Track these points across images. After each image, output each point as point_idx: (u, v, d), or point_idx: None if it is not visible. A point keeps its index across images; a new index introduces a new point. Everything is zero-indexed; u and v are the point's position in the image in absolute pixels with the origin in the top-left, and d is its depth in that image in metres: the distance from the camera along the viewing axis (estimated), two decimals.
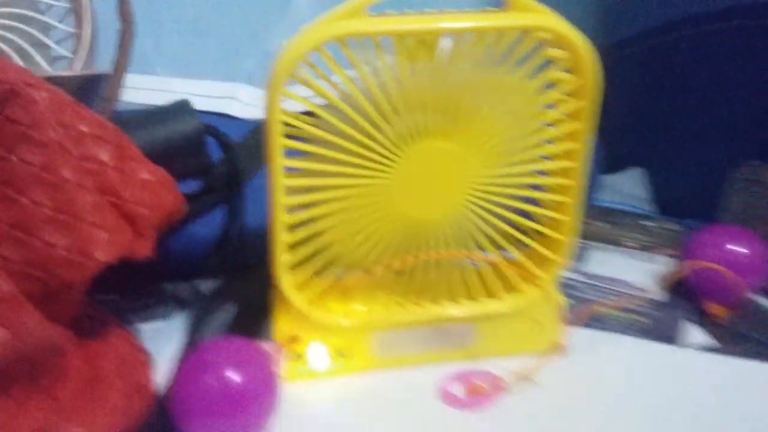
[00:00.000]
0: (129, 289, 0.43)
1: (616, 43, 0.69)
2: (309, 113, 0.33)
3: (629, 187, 0.67)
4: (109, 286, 0.43)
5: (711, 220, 0.56)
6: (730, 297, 0.43)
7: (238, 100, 0.51)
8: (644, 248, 0.53)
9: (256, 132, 0.46)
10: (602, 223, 0.57)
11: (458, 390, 0.37)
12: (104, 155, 0.30)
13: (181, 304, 0.44)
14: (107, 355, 0.31)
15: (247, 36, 0.64)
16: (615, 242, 0.54)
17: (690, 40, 0.59)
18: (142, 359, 0.33)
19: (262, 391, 0.32)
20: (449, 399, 0.36)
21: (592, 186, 0.57)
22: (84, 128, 0.30)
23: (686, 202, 0.61)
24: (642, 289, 0.46)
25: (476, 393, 0.36)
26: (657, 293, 0.46)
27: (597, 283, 0.47)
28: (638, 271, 0.49)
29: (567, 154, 0.36)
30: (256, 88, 0.54)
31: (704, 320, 0.43)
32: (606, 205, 0.61)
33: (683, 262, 0.44)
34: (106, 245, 0.28)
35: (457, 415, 0.35)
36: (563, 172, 0.36)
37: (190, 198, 0.42)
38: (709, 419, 0.34)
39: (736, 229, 0.44)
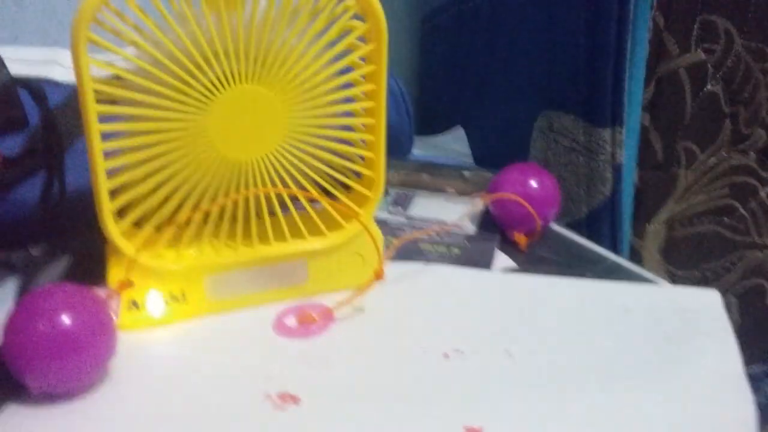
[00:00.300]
0: None
1: (430, 12, 0.75)
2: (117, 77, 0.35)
3: (453, 145, 0.72)
4: None
5: None
6: (527, 226, 0.48)
7: (60, 65, 0.50)
8: (462, 194, 0.59)
9: (76, 95, 0.46)
10: (426, 175, 0.62)
11: (291, 322, 0.39)
12: None
13: (12, 269, 0.43)
14: None
15: (65, 4, 0.63)
16: (437, 190, 0.59)
17: (488, 5, 0.66)
18: None
19: (96, 333, 0.33)
20: (283, 330, 0.39)
21: (408, 141, 0.63)
22: None
23: (498, 154, 0.68)
24: (455, 225, 0.52)
25: (307, 322, 0.39)
26: (469, 228, 0.51)
27: (418, 225, 0.52)
28: (455, 213, 0.54)
29: (367, 95, 0.39)
30: None
31: (509, 248, 0.49)
32: (429, 159, 0.66)
33: (488, 197, 0.49)
34: None
35: (291, 344, 0.38)
36: (367, 113, 0.40)
37: (10, 162, 0.42)
38: (514, 331, 0.39)
39: (530, 167, 0.50)
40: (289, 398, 0.33)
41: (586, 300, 0.42)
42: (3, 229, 0.44)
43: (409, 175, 0.62)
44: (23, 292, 0.37)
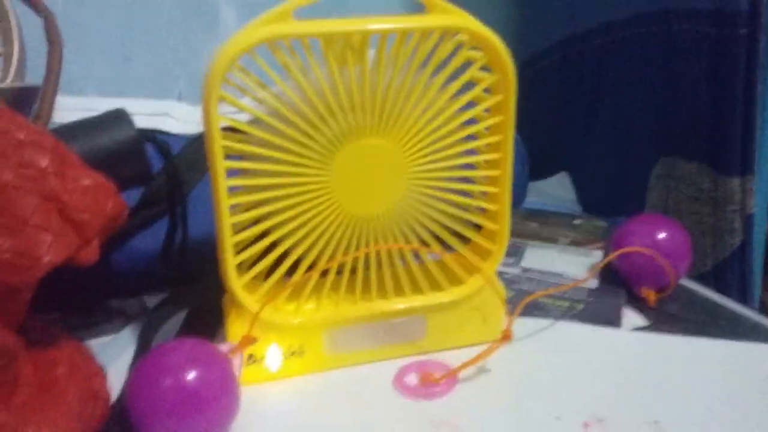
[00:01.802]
0: (74, 307, 0.43)
1: (532, 57, 0.73)
2: (239, 130, 0.34)
3: (557, 190, 0.70)
4: (53, 304, 0.43)
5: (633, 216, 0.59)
6: (659, 281, 0.45)
7: (172, 117, 0.51)
8: (575, 244, 0.56)
9: (193, 143, 0.46)
10: (534, 224, 0.60)
11: (412, 380, 0.38)
12: (43, 161, 0.30)
13: (128, 319, 0.43)
14: (59, 362, 0.30)
15: (175, 57, 0.64)
16: (548, 240, 0.56)
17: (600, 47, 0.63)
18: (94, 368, 0.32)
19: (220, 391, 0.32)
20: (404, 389, 0.37)
21: (522, 191, 0.60)
22: (21, 136, 0.30)
23: (609, 201, 0.65)
24: (576, 279, 0.49)
25: (429, 381, 0.37)
26: (590, 281, 0.48)
27: (534, 276, 0.49)
28: (571, 264, 0.52)
29: (493, 147, 0.38)
30: (189, 105, 0.54)
31: (636, 304, 0.46)
32: (537, 207, 0.64)
33: (613, 250, 0.46)
34: (51, 247, 0.28)
35: (414, 404, 0.36)
36: (491, 164, 0.38)
37: (131, 211, 0.42)
38: (641, 393, 0.36)
39: (660, 218, 0.47)
40: None
41: (730, 364, 0.39)
42: (120, 278, 0.44)
43: (517, 223, 0.59)
44: (143, 344, 0.37)
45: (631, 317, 0.44)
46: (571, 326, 0.43)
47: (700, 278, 0.55)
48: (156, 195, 0.42)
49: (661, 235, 0.45)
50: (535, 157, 0.63)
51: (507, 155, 0.37)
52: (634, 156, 0.61)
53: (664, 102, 0.57)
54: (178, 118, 0.52)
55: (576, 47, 0.66)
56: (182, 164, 0.45)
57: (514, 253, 0.53)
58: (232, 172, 0.35)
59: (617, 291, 0.47)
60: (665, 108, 0.57)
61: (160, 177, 0.41)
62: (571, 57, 0.67)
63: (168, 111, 0.53)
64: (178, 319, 0.40)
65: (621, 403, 0.35)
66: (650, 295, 0.45)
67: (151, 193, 0.43)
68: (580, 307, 0.45)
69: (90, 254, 0.32)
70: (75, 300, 0.43)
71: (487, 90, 0.37)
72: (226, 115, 0.34)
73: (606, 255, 0.53)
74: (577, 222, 0.60)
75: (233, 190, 0.35)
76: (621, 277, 0.47)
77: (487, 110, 0.38)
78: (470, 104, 0.37)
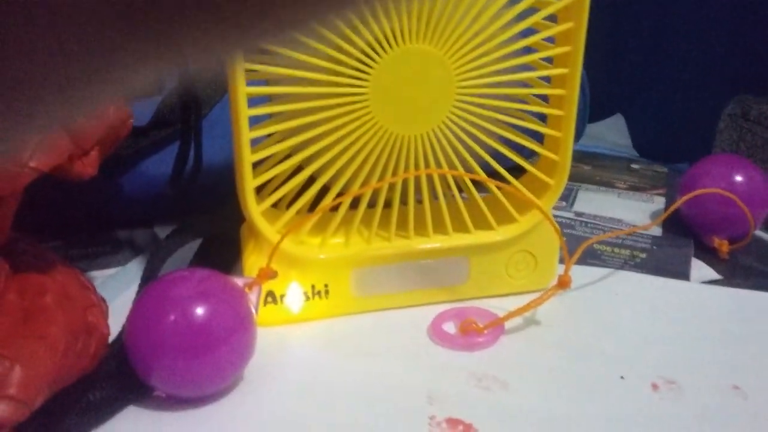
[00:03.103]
0: (78, 236, 0.39)
1: None
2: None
3: (610, 134, 0.64)
4: (55, 232, 0.39)
5: (697, 161, 0.53)
6: (734, 230, 0.40)
7: None
8: (633, 189, 0.50)
9: None
10: (588, 167, 0.54)
11: (451, 329, 0.33)
12: None
13: (136, 250, 0.39)
14: (48, 289, 0.26)
15: None
16: (603, 184, 0.51)
17: None
18: (92, 299, 0.28)
19: (234, 329, 0.27)
20: (441, 338, 0.32)
21: (581, 124, 0.55)
22: None
23: (671, 145, 0.59)
24: (636, 226, 0.43)
25: (471, 331, 0.32)
26: (652, 229, 0.43)
27: (590, 221, 0.44)
28: (630, 210, 0.46)
29: (559, 61, 0.32)
30: None
31: (706, 254, 0.40)
32: (592, 149, 0.58)
33: (683, 192, 0.41)
34: (38, 150, 0.24)
35: (453, 356, 0.31)
36: (556, 82, 0.33)
37: (141, 132, 0.38)
38: (717, 353, 0.31)
39: (737, 158, 0.41)
40: (461, 426, 0.27)
41: None
42: (130, 205, 0.40)
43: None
44: (149, 275, 0.33)
45: (701, 269, 0.39)
46: (633, 276, 0.38)
47: None
48: (169, 114, 0.38)
49: (739, 178, 0.40)
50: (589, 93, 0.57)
51: (575, 71, 0.32)
52: (702, 95, 0.55)
53: (739, 32, 0.51)
54: None
55: None
56: (200, 80, 0.41)
57: (566, 195, 0.48)
58: (253, 83, 0.30)
59: (684, 240, 0.42)
60: (740, 39, 0.51)
61: (174, 94, 0.37)
62: None
63: None
64: (191, 249, 0.36)
65: (694, 364, 0.30)
66: (723, 245, 0.40)
67: (164, 112, 0.38)
68: (643, 256, 0.40)
69: (86, 166, 0.28)
70: (79, 227, 0.39)
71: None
72: None
73: (669, 201, 0.48)
74: (635, 166, 0.55)
75: (255, 102, 0.30)
76: (689, 224, 0.42)
77: (551, 18, 0.32)
78: (532, 10, 0.31)
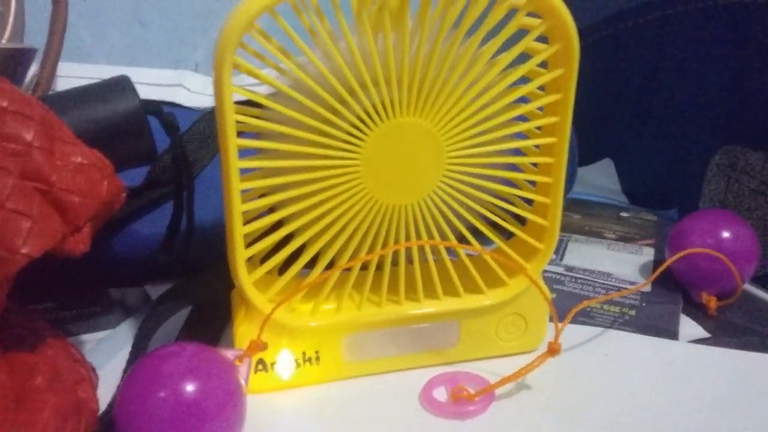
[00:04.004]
0: (69, 297, 0.39)
1: (579, 31, 0.67)
2: (256, 104, 0.30)
3: (599, 179, 0.64)
4: (45, 293, 0.39)
5: (686, 209, 0.54)
6: (722, 286, 0.40)
7: (186, 88, 0.47)
8: (622, 239, 0.51)
9: (205, 117, 0.41)
10: (578, 216, 0.55)
11: (441, 395, 0.33)
12: (28, 134, 0.26)
13: (128, 311, 0.39)
14: (39, 369, 0.26)
15: (194, 24, 0.60)
16: (593, 234, 0.51)
17: (657, 22, 0.58)
18: (81, 373, 0.28)
19: (224, 404, 0.27)
20: (432, 405, 0.32)
21: (571, 180, 0.55)
22: (3, 103, 0.26)
23: (659, 192, 0.59)
24: (628, 281, 0.44)
25: (461, 398, 0.32)
26: (643, 285, 0.43)
27: (579, 276, 0.44)
28: (620, 262, 0.47)
29: (547, 130, 0.33)
30: (204, 76, 0.49)
31: (694, 310, 0.41)
32: (581, 197, 0.59)
33: (671, 250, 0.41)
34: (30, 236, 0.24)
35: (441, 423, 0.31)
36: (544, 150, 0.33)
37: (133, 193, 0.38)
38: (705, 416, 0.31)
39: (724, 213, 0.42)
40: None
41: None
42: (122, 266, 0.40)
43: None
44: (139, 347, 0.33)
45: (689, 326, 0.39)
46: (623, 336, 0.38)
47: (759, 281, 0.50)
48: (162, 175, 0.38)
49: (727, 234, 0.40)
50: (577, 141, 0.58)
51: (563, 140, 0.32)
52: (691, 143, 0.56)
53: (730, 84, 0.51)
54: (191, 89, 0.48)
55: (630, 21, 0.61)
56: (193, 141, 0.41)
57: (557, 248, 0.49)
58: (246, 153, 0.30)
59: (673, 296, 0.42)
60: (731, 91, 0.51)
61: (167, 155, 0.37)
62: (624, 32, 0.61)
63: (182, 81, 0.48)
64: (182, 315, 0.36)
65: (679, 428, 0.30)
66: (711, 301, 0.40)
67: (156, 173, 0.38)
68: (632, 313, 0.40)
69: (79, 243, 0.28)
70: (70, 288, 0.39)
71: (542, 65, 0.32)
72: (243, 87, 0.29)
73: (658, 253, 0.48)
74: (624, 215, 0.55)
75: (246, 173, 0.30)
76: (677, 279, 0.42)
77: (541, 88, 0.33)
78: (522, 80, 0.32)
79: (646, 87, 0.60)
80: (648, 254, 0.48)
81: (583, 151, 0.67)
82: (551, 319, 0.35)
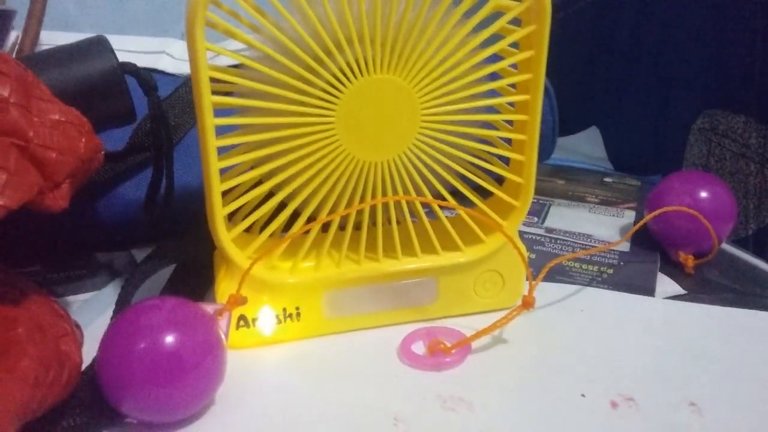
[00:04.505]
0: (55, 260, 0.39)
1: (564, 1, 0.67)
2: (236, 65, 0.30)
3: (586, 147, 0.65)
4: (32, 257, 0.39)
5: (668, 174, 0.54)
6: (699, 245, 0.41)
7: (169, 55, 0.47)
8: (605, 203, 0.51)
9: (187, 85, 0.42)
10: (561, 181, 0.55)
11: (419, 348, 0.34)
12: (4, 90, 0.26)
13: (114, 273, 0.40)
14: (19, 321, 0.27)
15: None
16: (576, 198, 0.52)
17: None
18: (65, 328, 0.29)
19: (204, 356, 0.28)
20: (410, 358, 0.33)
21: (550, 143, 0.56)
22: None
23: (643, 158, 0.60)
24: (607, 242, 0.44)
25: (438, 350, 0.33)
26: (621, 244, 0.44)
27: (559, 237, 0.45)
28: (600, 225, 0.47)
29: (521, 87, 0.33)
30: None
31: (672, 268, 0.41)
32: (566, 164, 0.59)
33: (649, 209, 0.42)
34: (6, 188, 0.24)
35: (421, 376, 0.32)
36: (518, 108, 0.34)
37: (116, 157, 0.39)
38: (675, 370, 0.32)
39: (702, 174, 0.42)
40: None
41: None
42: (105, 230, 0.41)
43: (542, 180, 0.55)
44: (122, 303, 0.33)
45: (666, 284, 0.40)
46: (600, 293, 0.39)
47: (740, 242, 0.51)
48: (144, 139, 0.39)
49: (704, 194, 0.41)
50: (563, 110, 0.58)
51: (536, 97, 0.33)
52: (674, 109, 0.56)
53: (714, 50, 0.52)
54: (175, 56, 0.48)
55: None
56: (175, 106, 0.41)
57: (538, 211, 0.49)
58: (223, 112, 0.31)
59: (651, 255, 0.42)
60: (714, 57, 0.52)
61: (148, 120, 0.37)
62: (607, 0, 0.62)
63: (165, 48, 0.49)
64: (165, 275, 0.36)
65: (653, 380, 0.31)
66: (688, 260, 0.41)
67: (138, 137, 0.39)
68: (610, 272, 0.41)
69: (58, 200, 0.28)
70: (56, 252, 0.40)
71: (515, 23, 0.32)
72: (222, 47, 0.30)
73: (639, 215, 0.49)
74: (607, 180, 0.56)
75: (224, 131, 0.31)
76: (655, 239, 0.43)
77: (514, 45, 0.33)
78: (496, 37, 0.32)
79: (628, 54, 0.61)
80: (629, 217, 0.49)
81: (569, 120, 0.68)
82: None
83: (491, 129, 0.34)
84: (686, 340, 0.35)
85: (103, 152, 0.31)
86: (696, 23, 0.53)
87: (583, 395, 0.30)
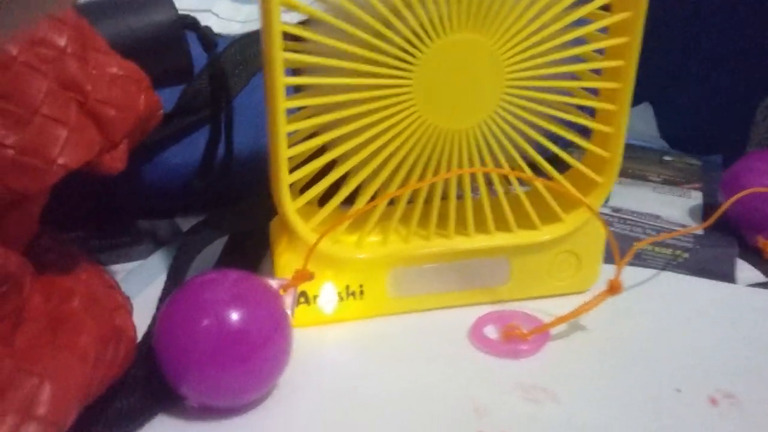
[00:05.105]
0: (98, 226, 0.37)
1: None
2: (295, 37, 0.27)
3: (637, 123, 0.62)
4: (74, 222, 0.37)
5: (731, 154, 0.52)
6: None
7: (214, 14, 0.44)
8: (668, 183, 0.48)
9: (238, 43, 0.39)
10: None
11: (492, 333, 0.31)
12: (61, 40, 0.24)
13: (158, 242, 0.37)
14: (75, 292, 0.24)
15: None
16: (637, 177, 0.49)
17: None
18: (118, 300, 0.27)
19: (272, 333, 0.26)
20: (483, 343, 0.31)
21: None
22: None
23: (702, 136, 0.57)
24: (678, 224, 0.42)
25: (514, 337, 0.31)
26: (696, 227, 0.41)
27: (628, 217, 0.42)
28: (667, 205, 0.45)
29: (613, 53, 0.30)
30: (233, 2, 0.47)
31: (750, 254, 0.39)
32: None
33: (726, 192, 0.39)
34: (67, 145, 0.22)
35: (495, 363, 0.30)
36: (609, 75, 0.31)
37: (166, 117, 0.36)
38: (765, 357, 0.30)
39: None
40: None
41: None
42: (151, 196, 0.38)
43: None
44: (176, 275, 0.31)
45: (747, 270, 0.37)
46: (678, 278, 0.36)
47: None
48: (196, 99, 0.36)
49: None
50: None
51: (631, 64, 0.30)
52: (736, 87, 0.53)
53: None
54: (220, 15, 0.45)
55: None
56: (227, 65, 0.39)
57: None
58: (289, 72, 0.28)
59: (728, 239, 0.40)
60: None
61: (203, 77, 0.35)
62: None
63: (210, 7, 0.46)
64: (215, 247, 0.34)
65: (753, 376, 0.29)
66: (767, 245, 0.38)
67: (190, 96, 0.36)
68: (686, 256, 0.38)
69: (116, 161, 0.26)
70: (99, 218, 0.38)
71: None
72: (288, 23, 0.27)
73: (707, 196, 0.46)
74: (667, 158, 0.53)
75: (291, 93, 0.28)
76: (732, 223, 0.40)
77: (605, 8, 0.30)
78: None
79: (692, 25, 0.57)
80: (696, 198, 0.46)
81: None
82: (605, 260, 0.33)
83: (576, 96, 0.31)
84: (764, 327, 0.32)
85: (161, 110, 0.28)
86: None
87: (678, 390, 0.28)
